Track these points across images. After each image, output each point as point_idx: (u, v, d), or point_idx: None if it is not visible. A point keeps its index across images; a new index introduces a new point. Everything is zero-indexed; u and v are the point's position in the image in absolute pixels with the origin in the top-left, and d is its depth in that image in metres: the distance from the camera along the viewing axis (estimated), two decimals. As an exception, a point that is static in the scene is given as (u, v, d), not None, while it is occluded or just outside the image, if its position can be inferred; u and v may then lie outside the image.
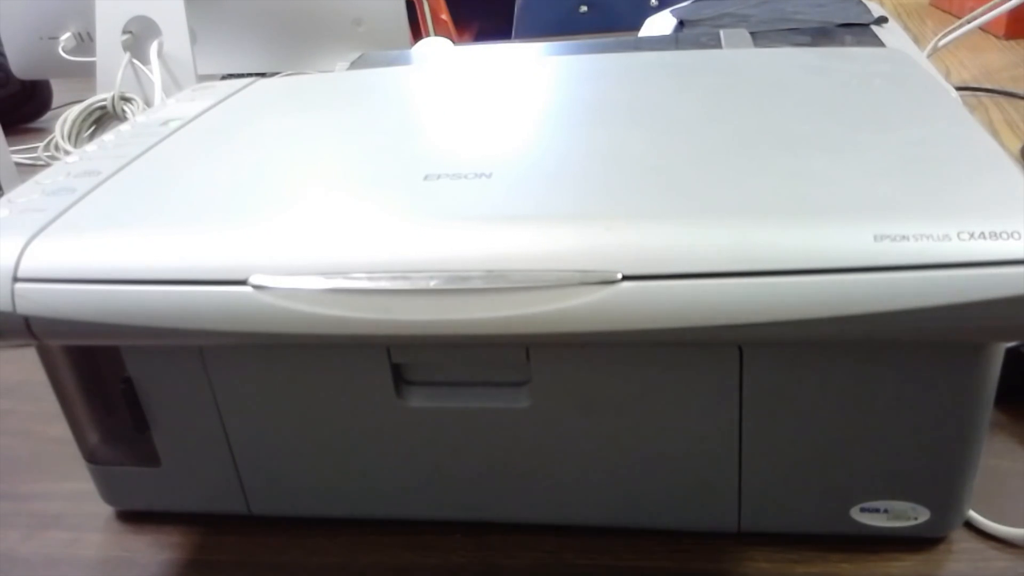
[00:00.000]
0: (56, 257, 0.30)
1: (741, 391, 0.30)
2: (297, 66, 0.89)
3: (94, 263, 0.29)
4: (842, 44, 0.65)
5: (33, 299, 0.29)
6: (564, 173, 0.31)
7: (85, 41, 0.88)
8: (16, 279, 0.29)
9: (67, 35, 0.88)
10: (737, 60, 0.43)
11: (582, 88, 0.41)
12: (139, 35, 0.82)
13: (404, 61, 0.67)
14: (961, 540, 0.33)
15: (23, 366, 0.51)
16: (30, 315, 0.29)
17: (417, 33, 1.35)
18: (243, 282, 0.28)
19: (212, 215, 0.31)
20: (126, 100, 0.78)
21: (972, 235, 0.25)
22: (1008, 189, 0.27)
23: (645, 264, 0.26)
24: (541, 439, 0.33)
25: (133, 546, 0.37)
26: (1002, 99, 0.81)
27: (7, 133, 0.75)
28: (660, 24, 0.81)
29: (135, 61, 0.82)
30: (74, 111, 0.77)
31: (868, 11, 0.71)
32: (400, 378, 0.33)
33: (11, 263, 0.30)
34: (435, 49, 0.83)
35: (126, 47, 0.82)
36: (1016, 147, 0.69)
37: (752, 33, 0.64)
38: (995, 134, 0.72)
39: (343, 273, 0.27)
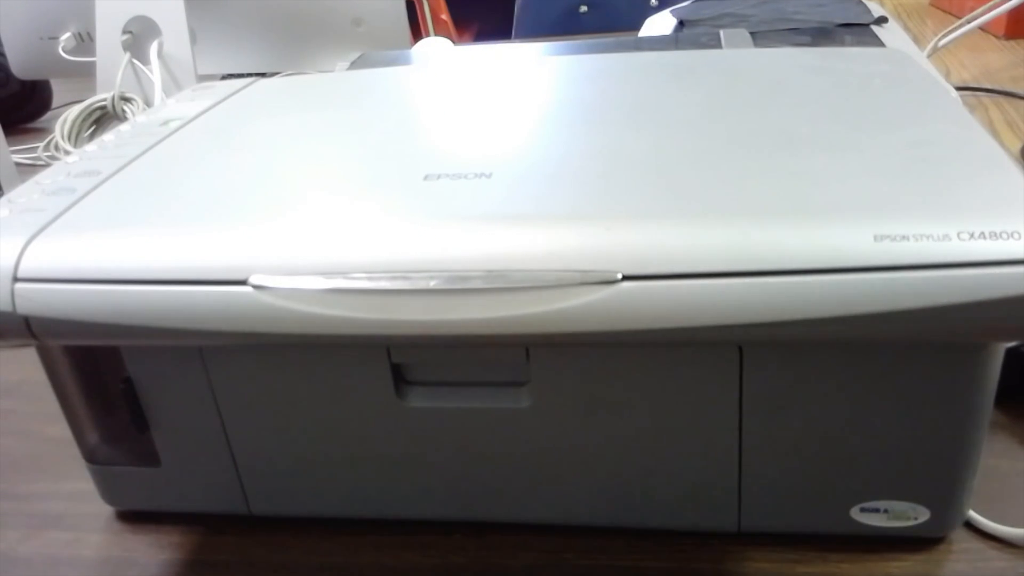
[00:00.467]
0: (56, 257, 0.30)
1: (741, 391, 0.30)
2: (297, 66, 0.89)
3: (94, 263, 0.29)
4: (842, 44, 0.65)
5: (33, 299, 0.29)
6: (564, 173, 0.31)
7: (85, 41, 0.88)
8: (16, 279, 0.29)
9: (67, 35, 0.88)
10: (737, 60, 0.43)
11: (582, 88, 0.41)
12: (139, 35, 0.82)
13: (404, 61, 0.67)
14: (961, 540, 0.33)
15: (23, 366, 0.51)
16: (30, 315, 0.29)
17: (417, 33, 1.35)
18: (243, 282, 0.28)
19: (212, 215, 0.31)
20: (126, 100, 0.78)
21: (972, 235, 0.25)
22: (1008, 189, 0.27)
23: (645, 264, 0.26)
24: (541, 439, 0.33)
25: (133, 546, 0.37)
26: (1002, 99, 0.81)
27: (7, 133, 0.75)
28: (660, 24, 0.81)
29: (135, 61, 0.82)
30: (74, 111, 0.77)
31: (868, 11, 0.71)
32: (400, 378, 0.33)
33: (11, 263, 0.30)
34: (435, 49, 0.83)
35: (126, 47, 0.82)
36: (1016, 147, 0.69)
37: (752, 33, 0.64)
38: (995, 134, 0.72)
39: (343, 273, 0.27)
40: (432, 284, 0.27)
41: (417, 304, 0.27)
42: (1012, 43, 0.98)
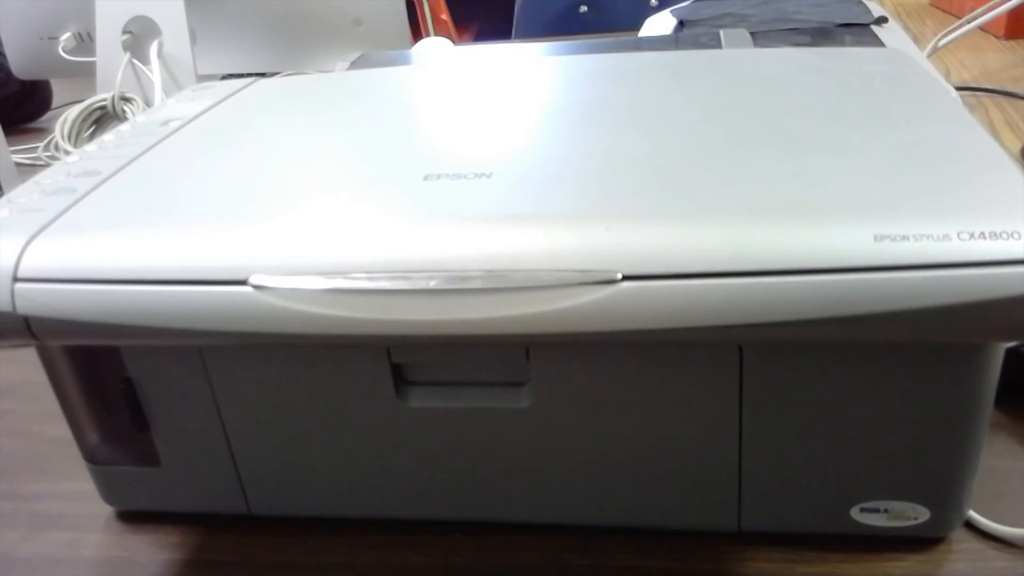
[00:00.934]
0: (56, 257, 0.30)
1: (741, 391, 0.30)
2: (297, 66, 0.89)
3: (94, 263, 0.29)
4: (842, 44, 0.65)
5: (33, 299, 0.29)
6: (564, 173, 0.31)
7: (85, 41, 0.88)
8: (16, 279, 0.29)
9: (67, 35, 0.88)
10: (737, 60, 0.43)
11: (582, 88, 0.41)
12: (139, 35, 0.82)
13: (404, 61, 0.67)
14: (961, 540, 0.33)
15: (23, 366, 0.51)
16: (30, 315, 0.29)
17: (417, 33, 1.35)
18: (243, 282, 0.28)
19: (212, 215, 0.31)
20: (126, 100, 0.78)
21: (972, 235, 0.25)
22: (1008, 189, 0.27)
23: (645, 264, 0.26)
24: (541, 439, 0.33)
25: (133, 546, 0.37)
26: (1002, 99, 0.81)
27: (7, 133, 0.75)
28: (660, 24, 0.81)
29: (135, 61, 0.82)
30: (74, 111, 0.77)
31: (868, 11, 0.71)
32: (400, 378, 0.33)
33: (11, 263, 0.30)
34: (435, 49, 0.83)
35: (126, 47, 0.82)
36: (1016, 147, 0.69)
37: (752, 33, 0.64)
38: (995, 134, 0.72)
39: (343, 273, 0.27)
40: (432, 284, 0.27)
41: (417, 304, 0.27)
42: (1012, 43, 0.98)
